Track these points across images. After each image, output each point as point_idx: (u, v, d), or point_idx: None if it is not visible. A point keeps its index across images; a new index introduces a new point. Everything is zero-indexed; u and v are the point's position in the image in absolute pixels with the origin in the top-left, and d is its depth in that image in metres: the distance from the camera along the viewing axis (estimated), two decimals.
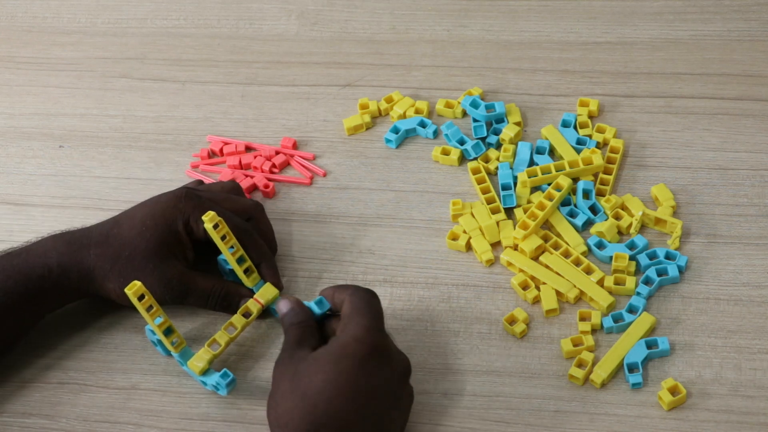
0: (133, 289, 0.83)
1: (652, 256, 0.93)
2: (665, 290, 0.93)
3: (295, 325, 0.85)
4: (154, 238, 0.89)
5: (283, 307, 0.87)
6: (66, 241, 0.89)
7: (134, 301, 0.84)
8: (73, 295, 0.91)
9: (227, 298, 0.91)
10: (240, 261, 0.90)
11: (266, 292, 0.91)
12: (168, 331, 0.86)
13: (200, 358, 0.87)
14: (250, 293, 0.91)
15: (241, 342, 0.91)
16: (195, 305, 0.91)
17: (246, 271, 0.91)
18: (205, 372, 0.87)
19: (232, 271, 0.92)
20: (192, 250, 0.91)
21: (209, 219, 0.87)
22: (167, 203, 0.90)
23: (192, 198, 0.90)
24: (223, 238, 0.88)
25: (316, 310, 0.87)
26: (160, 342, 0.89)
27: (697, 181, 1.00)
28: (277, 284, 0.92)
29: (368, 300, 0.84)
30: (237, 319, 0.89)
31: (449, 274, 0.95)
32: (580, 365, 0.87)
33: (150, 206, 0.91)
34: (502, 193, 0.99)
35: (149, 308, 0.85)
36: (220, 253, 0.92)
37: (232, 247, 0.89)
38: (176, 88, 1.12)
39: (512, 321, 0.91)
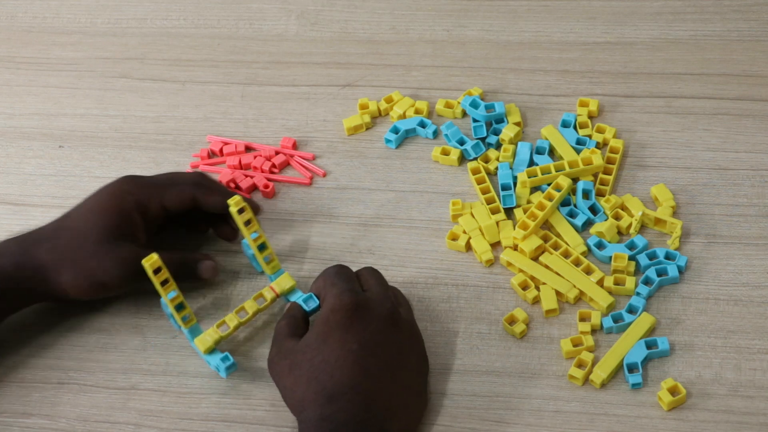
0: (150, 261, 0.85)
1: (652, 257, 0.93)
2: (665, 290, 0.93)
3: (283, 320, 0.87)
4: (103, 223, 0.90)
5: None
6: (19, 241, 0.90)
7: (150, 273, 0.85)
8: (28, 297, 0.90)
9: (184, 265, 0.92)
10: (261, 248, 0.91)
11: (283, 282, 0.91)
12: (180, 307, 0.88)
13: (207, 336, 0.88)
14: (208, 257, 0.93)
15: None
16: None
17: (266, 259, 0.91)
18: (211, 352, 0.88)
19: (253, 256, 0.93)
20: (144, 231, 0.92)
21: (235, 203, 0.88)
22: (112, 188, 0.92)
23: (135, 179, 0.93)
24: (247, 222, 0.89)
25: (306, 307, 0.89)
26: (172, 315, 0.89)
27: (697, 181, 1.00)
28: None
29: (336, 270, 0.87)
30: (249, 305, 0.90)
31: (449, 274, 0.95)
32: (579, 365, 0.87)
33: (96, 195, 0.92)
34: (501, 193, 0.99)
35: (164, 282, 0.86)
36: (179, 227, 0.95)
37: (255, 232, 0.90)
38: (176, 88, 1.12)
39: (512, 321, 0.91)
